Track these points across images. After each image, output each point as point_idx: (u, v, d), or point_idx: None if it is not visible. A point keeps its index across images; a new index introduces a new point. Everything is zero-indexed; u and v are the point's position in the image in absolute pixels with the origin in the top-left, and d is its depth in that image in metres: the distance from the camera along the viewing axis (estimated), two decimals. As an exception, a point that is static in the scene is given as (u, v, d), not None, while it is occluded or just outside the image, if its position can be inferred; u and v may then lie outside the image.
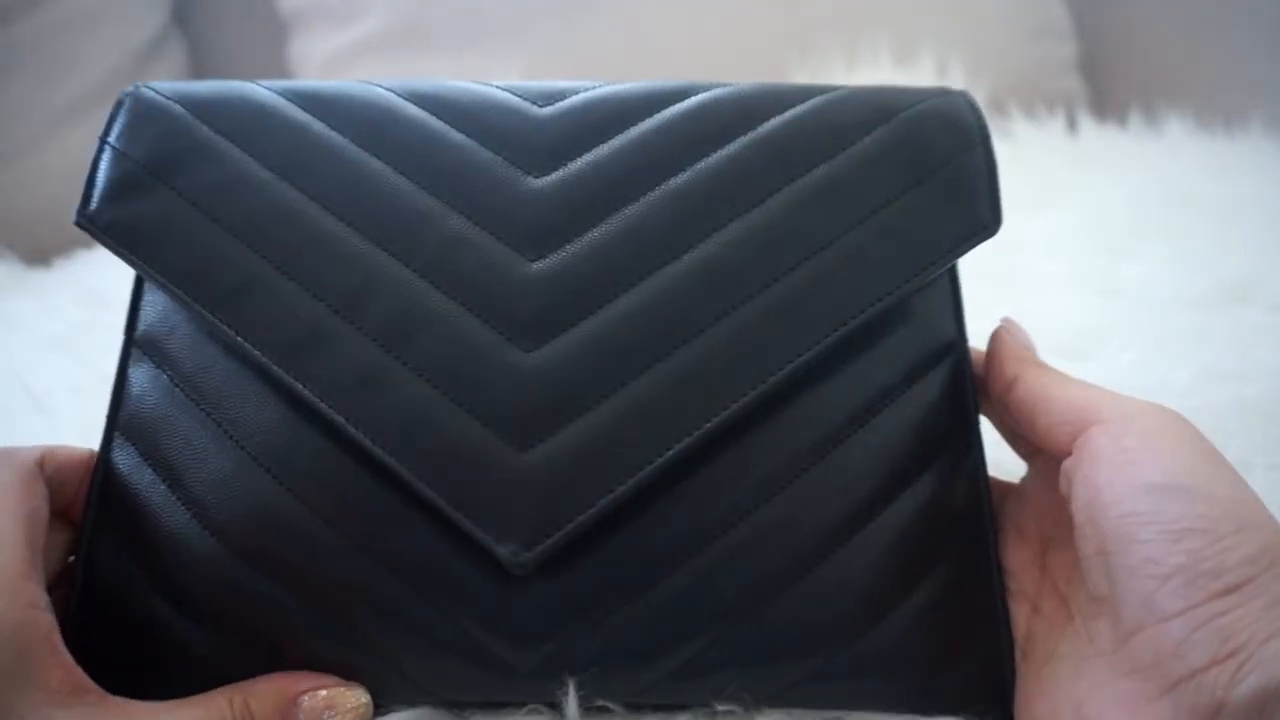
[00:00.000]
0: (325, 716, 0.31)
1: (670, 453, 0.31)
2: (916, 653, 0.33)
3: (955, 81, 0.91)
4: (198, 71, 1.03)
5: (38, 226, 0.87)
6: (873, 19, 0.94)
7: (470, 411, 0.31)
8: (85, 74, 0.90)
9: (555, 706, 0.32)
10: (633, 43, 0.94)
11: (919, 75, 0.91)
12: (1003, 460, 0.38)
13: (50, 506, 0.33)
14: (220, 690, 0.31)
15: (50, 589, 0.32)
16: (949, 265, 0.37)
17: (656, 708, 0.33)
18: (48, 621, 0.29)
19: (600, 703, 0.32)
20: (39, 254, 0.83)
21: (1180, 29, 1.08)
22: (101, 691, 0.29)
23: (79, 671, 0.29)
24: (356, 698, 0.32)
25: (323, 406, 0.32)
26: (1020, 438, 0.38)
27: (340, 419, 0.32)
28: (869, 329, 0.35)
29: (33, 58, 0.87)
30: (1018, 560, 0.35)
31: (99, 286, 0.68)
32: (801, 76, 0.92)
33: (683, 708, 0.33)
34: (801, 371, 0.34)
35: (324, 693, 0.31)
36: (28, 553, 0.30)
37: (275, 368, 0.32)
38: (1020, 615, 0.34)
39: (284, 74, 1.01)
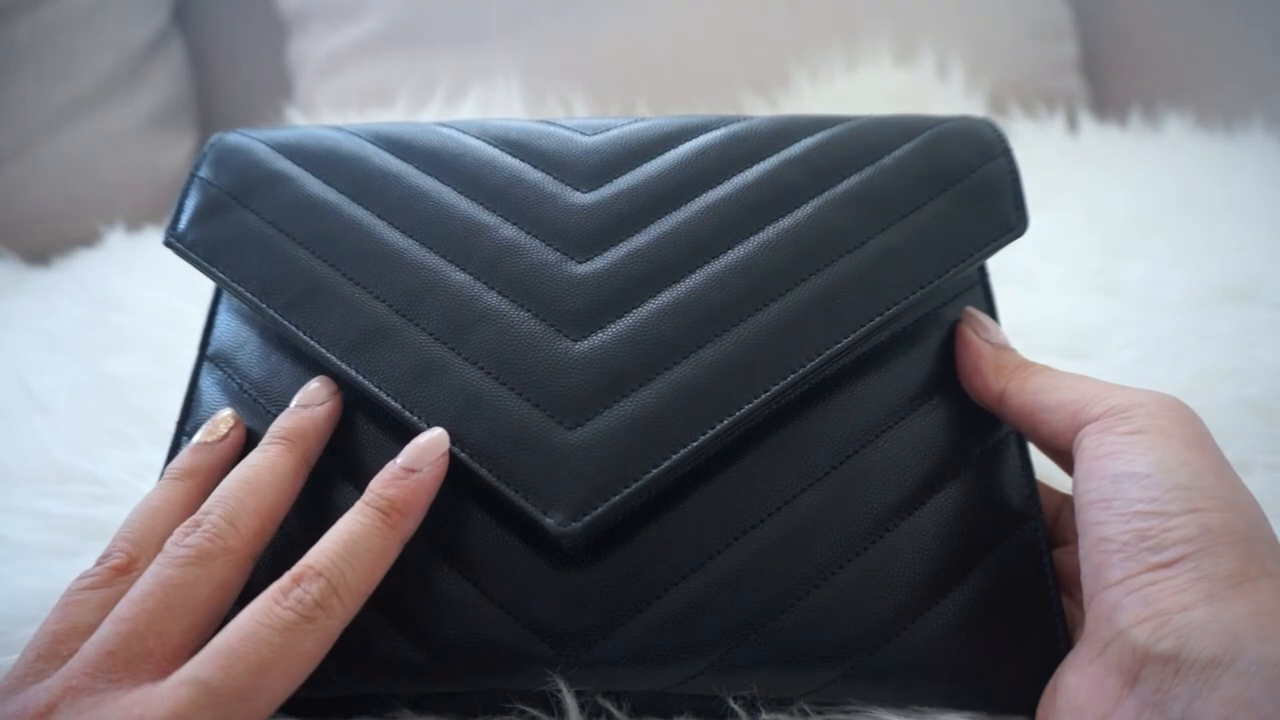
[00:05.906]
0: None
1: (712, 431, 0.32)
2: (964, 647, 0.32)
3: (955, 80, 0.91)
4: (197, 71, 1.03)
5: (37, 226, 0.87)
6: (873, 18, 0.94)
7: (520, 394, 0.33)
8: (85, 73, 0.90)
9: (553, 711, 0.32)
10: (632, 42, 0.94)
11: (919, 74, 0.91)
12: (1056, 472, 0.38)
13: None
14: None
15: None
16: (978, 264, 0.39)
17: (657, 711, 0.33)
18: None
19: (604, 703, 0.32)
20: (39, 253, 0.83)
21: (1181, 28, 1.08)
22: None
23: None
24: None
25: (382, 396, 0.34)
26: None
27: (397, 406, 0.33)
28: (906, 333, 0.38)
29: (32, 56, 0.87)
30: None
31: (99, 286, 0.68)
32: (802, 76, 0.92)
33: (679, 711, 0.33)
34: (838, 361, 0.35)
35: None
36: None
37: (339, 362, 0.35)
38: (1076, 617, 0.33)
39: (283, 73, 1.01)
